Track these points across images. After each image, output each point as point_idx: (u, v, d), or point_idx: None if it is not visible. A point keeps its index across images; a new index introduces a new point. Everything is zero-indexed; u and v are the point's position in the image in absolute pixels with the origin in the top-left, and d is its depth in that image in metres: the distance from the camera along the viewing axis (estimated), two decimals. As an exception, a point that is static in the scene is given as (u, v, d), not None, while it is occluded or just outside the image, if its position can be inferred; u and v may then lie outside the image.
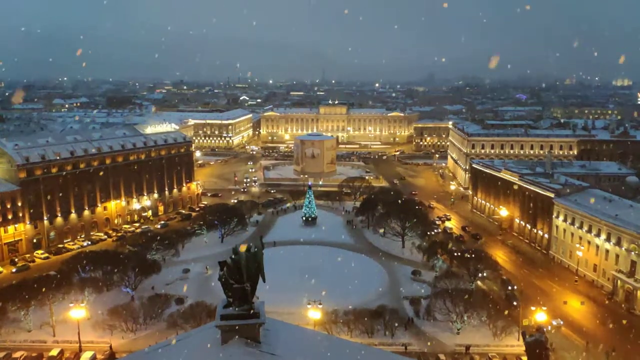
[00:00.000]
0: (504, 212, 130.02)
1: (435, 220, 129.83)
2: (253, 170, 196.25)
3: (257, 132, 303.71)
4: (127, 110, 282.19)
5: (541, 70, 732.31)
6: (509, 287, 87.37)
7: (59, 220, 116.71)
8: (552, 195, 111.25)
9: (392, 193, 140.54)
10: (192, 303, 76.75)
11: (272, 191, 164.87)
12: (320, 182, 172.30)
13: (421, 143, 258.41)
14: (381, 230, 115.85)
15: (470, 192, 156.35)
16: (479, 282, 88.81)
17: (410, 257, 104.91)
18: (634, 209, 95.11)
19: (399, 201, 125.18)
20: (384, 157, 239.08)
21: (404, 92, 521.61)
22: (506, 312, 73.80)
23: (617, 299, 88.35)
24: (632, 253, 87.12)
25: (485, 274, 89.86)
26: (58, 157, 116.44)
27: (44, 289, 74.27)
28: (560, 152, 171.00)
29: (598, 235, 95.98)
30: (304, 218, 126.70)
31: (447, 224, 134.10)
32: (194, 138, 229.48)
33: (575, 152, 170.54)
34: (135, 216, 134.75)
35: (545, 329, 70.92)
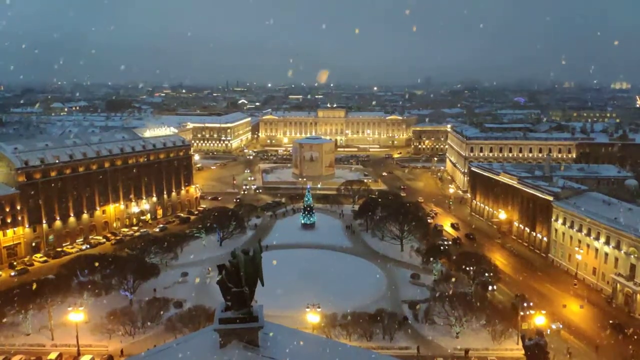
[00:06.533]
0: (502, 215, 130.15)
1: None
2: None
3: (255, 136, 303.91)
4: (125, 113, 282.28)
5: (540, 74, 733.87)
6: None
7: (58, 223, 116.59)
8: (550, 198, 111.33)
9: (388, 195, 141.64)
10: (190, 307, 76.63)
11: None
12: (319, 185, 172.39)
13: (420, 146, 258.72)
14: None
15: (469, 195, 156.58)
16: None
17: (409, 260, 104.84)
18: (633, 212, 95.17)
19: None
20: (387, 158, 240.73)
21: (402, 96, 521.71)
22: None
23: (616, 302, 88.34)
24: (632, 256, 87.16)
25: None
26: (57, 161, 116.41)
27: (42, 293, 74.09)
28: (559, 155, 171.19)
29: (597, 238, 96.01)
30: (302, 222, 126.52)
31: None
32: (193, 142, 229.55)
33: (574, 155, 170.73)
34: (134, 219, 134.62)
35: (544, 333, 71.03)
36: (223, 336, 20.45)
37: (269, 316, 21.79)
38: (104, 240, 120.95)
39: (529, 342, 65.11)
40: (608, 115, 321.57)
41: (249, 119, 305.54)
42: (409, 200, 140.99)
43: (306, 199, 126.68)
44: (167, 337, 67.11)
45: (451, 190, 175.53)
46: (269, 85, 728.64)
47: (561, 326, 77.49)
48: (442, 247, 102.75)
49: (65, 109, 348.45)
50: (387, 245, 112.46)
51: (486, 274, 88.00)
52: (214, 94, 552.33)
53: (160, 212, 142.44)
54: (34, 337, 73.25)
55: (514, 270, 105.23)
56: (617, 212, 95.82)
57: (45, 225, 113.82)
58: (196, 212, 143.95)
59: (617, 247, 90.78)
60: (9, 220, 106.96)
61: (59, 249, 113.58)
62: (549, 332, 72.98)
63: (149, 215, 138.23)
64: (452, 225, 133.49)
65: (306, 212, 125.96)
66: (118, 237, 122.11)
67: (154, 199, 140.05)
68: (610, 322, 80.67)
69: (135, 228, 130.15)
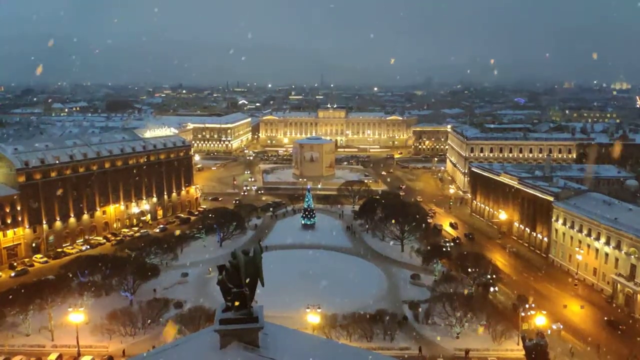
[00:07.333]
0: (503, 215, 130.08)
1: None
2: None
3: (256, 136, 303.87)
4: (126, 114, 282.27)
5: (540, 74, 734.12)
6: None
7: (58, 224, 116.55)
8: (551, 198, 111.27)
9: (388, 196, 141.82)
10: (190, 307, 76.59)
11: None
12: (319, 186, 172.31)
13: (420, 147, 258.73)
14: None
15: (469, 195, 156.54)
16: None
17: (410, 260, 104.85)
18: (633, 213, 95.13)
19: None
20: (387, 158, 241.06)
21: (402, 96, 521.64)
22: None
23: (617, 302, 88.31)
24: (632, 256, 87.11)
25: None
26: (57, 162, 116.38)
27: (42, 293, 74.08)
28: (559, 156, 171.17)
29: (597, 238, 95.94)
30: (302, 222, 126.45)
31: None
32: (193, 142, 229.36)
33: (574, 156, 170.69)
34: (134, 220, 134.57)
35: (545, 333, 70.98)
36: (223, 337, 20.41)
37: (269, 317, 21.73)
38: (104, 240, 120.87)
39: (529, 342, 65.07)
40: (608, 115, 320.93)
41: (249, 119, 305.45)
42: (409, 201, 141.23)
43: (306, 201, 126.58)
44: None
45: (451, 190, 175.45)
46: (269, 85, 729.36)
47: (562, 326, 77.43)
48: (443, 248, 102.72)
49: (66, 110, 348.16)
50: (387, 245, 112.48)
51: (487, 275, 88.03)
52: (214, 95, 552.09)
53: (160, 212, 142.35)
54: (34, 337, 73.17)
55: (514, 270, 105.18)
56: (618, 212, 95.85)
57: (45, 226, 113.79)
58: (196, 213, 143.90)
59: (618, 247, 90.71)
60: (9, 221, 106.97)
61: (59, 250, 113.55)
62: (549, 333, 72.95)
63: (149, 216, 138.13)
64: (451, 225, 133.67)
65: (306, 214, 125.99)
66: (118, 238, 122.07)
67: (154, 199, 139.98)
68: (605, 319, 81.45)
69: (136, 229, 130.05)
